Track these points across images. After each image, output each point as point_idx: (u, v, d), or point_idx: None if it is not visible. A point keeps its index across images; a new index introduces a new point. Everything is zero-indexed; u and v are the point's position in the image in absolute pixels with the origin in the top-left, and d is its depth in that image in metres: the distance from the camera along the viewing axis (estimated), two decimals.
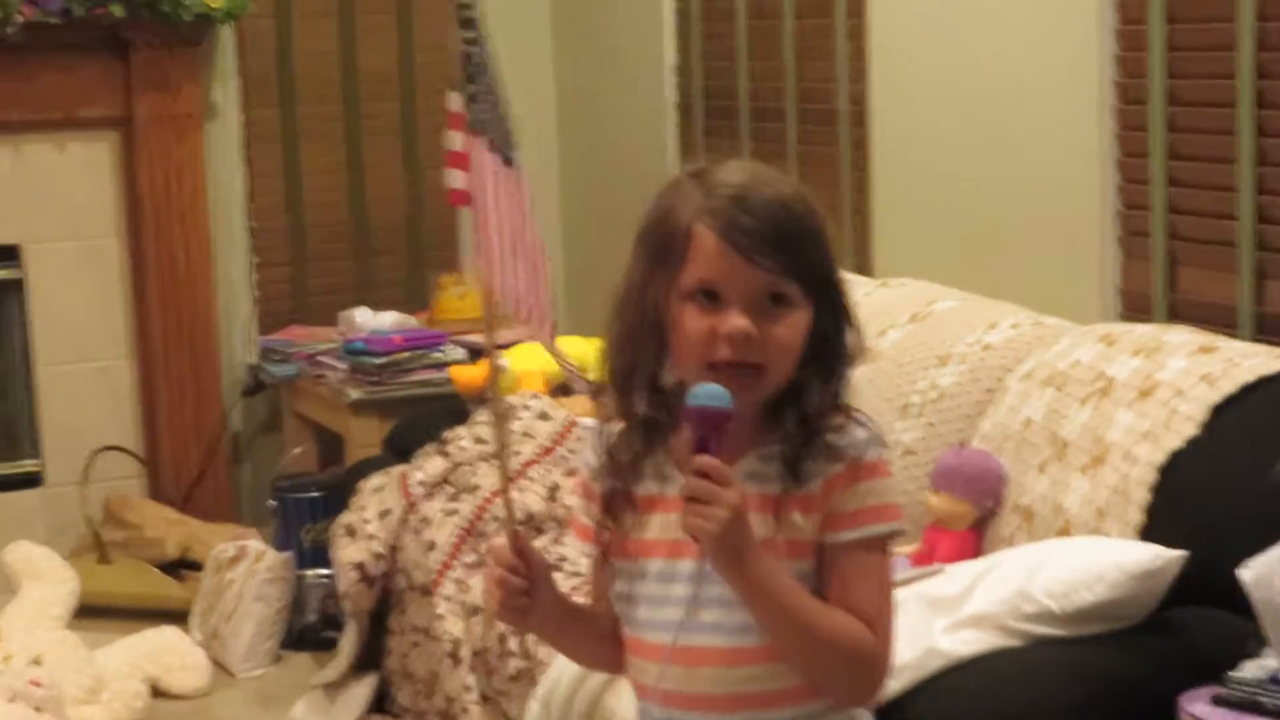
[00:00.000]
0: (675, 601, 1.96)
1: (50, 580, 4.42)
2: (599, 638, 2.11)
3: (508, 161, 2.17)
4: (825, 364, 1.96)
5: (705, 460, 1.85)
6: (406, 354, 4.97)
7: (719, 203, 1.93)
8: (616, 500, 2.03)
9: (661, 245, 1.97)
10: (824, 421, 1.94)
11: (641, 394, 1.99)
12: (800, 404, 1.95)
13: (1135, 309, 3.66)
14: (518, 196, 2.18)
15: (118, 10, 5.10)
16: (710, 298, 1.93)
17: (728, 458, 1.91)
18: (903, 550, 3.32)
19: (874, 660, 1.94)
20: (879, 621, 1.93)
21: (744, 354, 1.91)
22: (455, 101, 2.15)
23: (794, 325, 1.93)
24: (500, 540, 2.04)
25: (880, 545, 1.95)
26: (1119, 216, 3.69)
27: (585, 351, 4.66)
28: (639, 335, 1.99)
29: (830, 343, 1.96)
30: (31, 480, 5.40)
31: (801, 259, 1.92)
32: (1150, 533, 2.87)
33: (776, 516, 1.93)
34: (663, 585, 1.98)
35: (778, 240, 1.91)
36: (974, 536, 3.26)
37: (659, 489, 1.99)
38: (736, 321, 1.91)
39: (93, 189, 5.39)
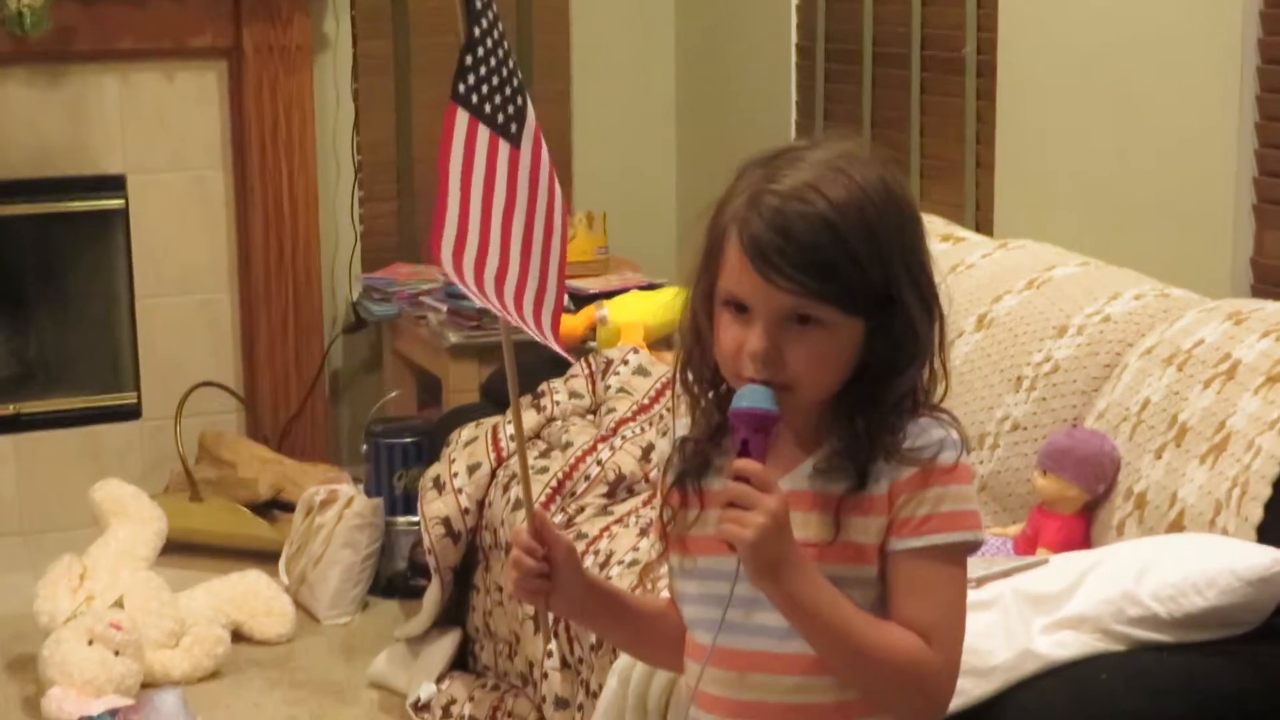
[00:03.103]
0: (722, 600, 1.84)
1: (137, 520, 4.36)
2: (651, 633, 2.02)
3: (510, 138, 2.03)
4: (884, 378, 1.82)
5: (745, 464, 1.74)
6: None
7: (752, 212, 1.79)
8: (682, 493, 1.93)
9: (708, 242, 1.86)
10: (895, 420, 1.81)
11: (702, 387, 1.90)
12: (863, 408, 1.82)
13: (1269, 282, 3.48)
14: (518, 174, 2.04)
15: None
16: (741, 309, 1.81)
17: (786, 457, 1.82)
18: (1006, 532, 3.18)
19: (931, 677, 1.80)
20: (939, 636, 1.80)
21: (766, 374, 1.79)
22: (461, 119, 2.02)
23: (824, 347, 1.79)
24: (522, 523, 1.96)
25: (949, 555, 1.82)
26: (1255, 183, 3.50)
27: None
28: (693, 329, 1.89)
29: (890, 360, 1.82)
30: (131, 413, 5.35)
31: (836, 281, 1.78)
32: (1269, 530, 2.69)
33: (837, 518, 1.81)
34: (713, 583, 1.87)
35: (804, 262, 1.77)
36: (1082, 522, 3.09)
37: (723, 485, 1.85)
38: (754, 343, 1.79)
39: (200, 119, 5.31)
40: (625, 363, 4.12)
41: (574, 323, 4.52)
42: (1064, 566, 2.72)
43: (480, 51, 2.03)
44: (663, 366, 4.13)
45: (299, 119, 5.30)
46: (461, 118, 2.02)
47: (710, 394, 1.91)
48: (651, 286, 4.83)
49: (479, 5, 2.05)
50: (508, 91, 2.05)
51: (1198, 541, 2.69)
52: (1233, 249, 3.53)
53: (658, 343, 4.42)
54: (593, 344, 4.38)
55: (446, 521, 3.90)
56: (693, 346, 1.91)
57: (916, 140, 4.57)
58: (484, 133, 2.02)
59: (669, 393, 4.02)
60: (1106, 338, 3.31)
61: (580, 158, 5.75)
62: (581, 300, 4.84)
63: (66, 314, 5.46)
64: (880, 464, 1.81)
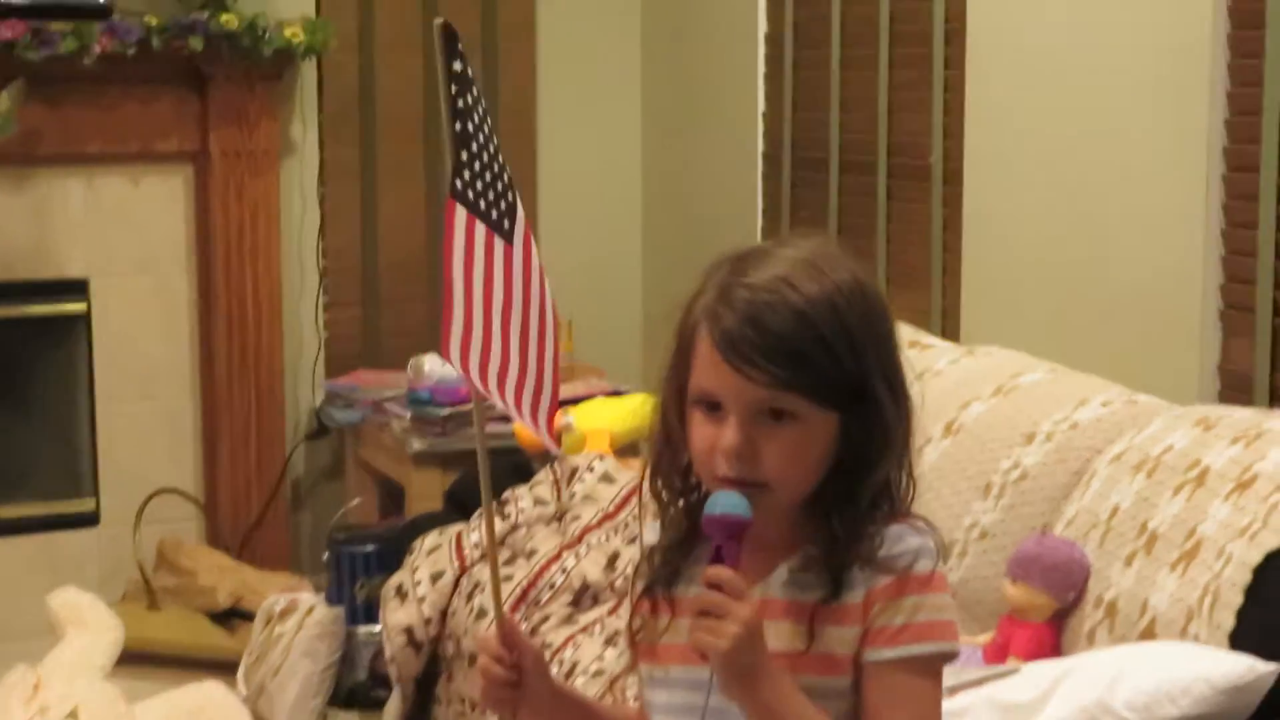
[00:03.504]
0: (693, 710, 1.80)
1: (94, 629, 4.28)
2: None
3: (503, 234, 2.03)
4: (858, 474, 1.79)
5: (717, 571, 1.71)
6: (471, 406, 4.79)
7: (723, 305, 1.78)
8: (653, 601, 1.90)
9: (677, 341, 1.84)
10: (871, 526, 1.78)
11: (671, 494, 1.88)
12: (839, 507, 1.79)
13: (1235, 389, 3.46)
14: (513, 270, 2.03)
15: (196, 43, 4.99)
16: (713, 407, 1.79)
17: (760, 563, 1.79)
18: (976, 641, 3.14)
19: None
20: None
21: (741, 472, 1.77)
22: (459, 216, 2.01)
23: (798, 441, 1.77)
24: (491, 630, 1.93)
25: (925, 667, 1.78)
26: (1221, 289, 3.49)
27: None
28: (665, 431, 1.86)
29: (864, 456, 1.79)
30: (89, 520, 5.29)
31: (809, 371, 1.75)
32: (1242, 638, 2.66)
33: (811, 628, 1.78)
34: (685, 693, 1.83)
35: (777, 352, 1.75)
36: (1052, 630, 3.05)
37: (695, 592, 1.82)
38: (728, 438, 1.77)
39: (165, 223, 5.29)
40: (590, 470, 4.08)
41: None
42: (1036, 675, 2.69)
43: (474, 146, 2.03)
44: (628, 473, 4.09)
45: (264, 223, 5.28)
46: (460, 214, 2.02)
47: (680, 502, 1.88)
48: (617, 393, 4.81)
49: (467, 102, 2.04)
50: (499, 187, 2.04)
51: (1170, 649, 2.66)
52: (1200, 355, 3.51)
53: (623, 449, 4.39)
54: (558, 450, 4.34)
55: (409, 631, 3.84)
56: (662, 451, 1.88)
57: (883, 247, 4.57)
58: (481, 229, 2.02)
59: (635, 500, 3.98)
60: (1075, 444, 3.29)
61: (544, 264, 5.72)
62: None
63: (26, 418, 5.40)
64: (855, 572, 1.77)
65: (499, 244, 2.03)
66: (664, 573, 1.89)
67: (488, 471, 2.06)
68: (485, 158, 2.06)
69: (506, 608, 3.61)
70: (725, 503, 1.74)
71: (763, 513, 1.77)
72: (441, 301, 2.01)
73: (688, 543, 1.88)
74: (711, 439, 1.78)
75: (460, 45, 2.07)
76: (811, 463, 1.78)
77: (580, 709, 2.00)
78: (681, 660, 1.82)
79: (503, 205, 2.06)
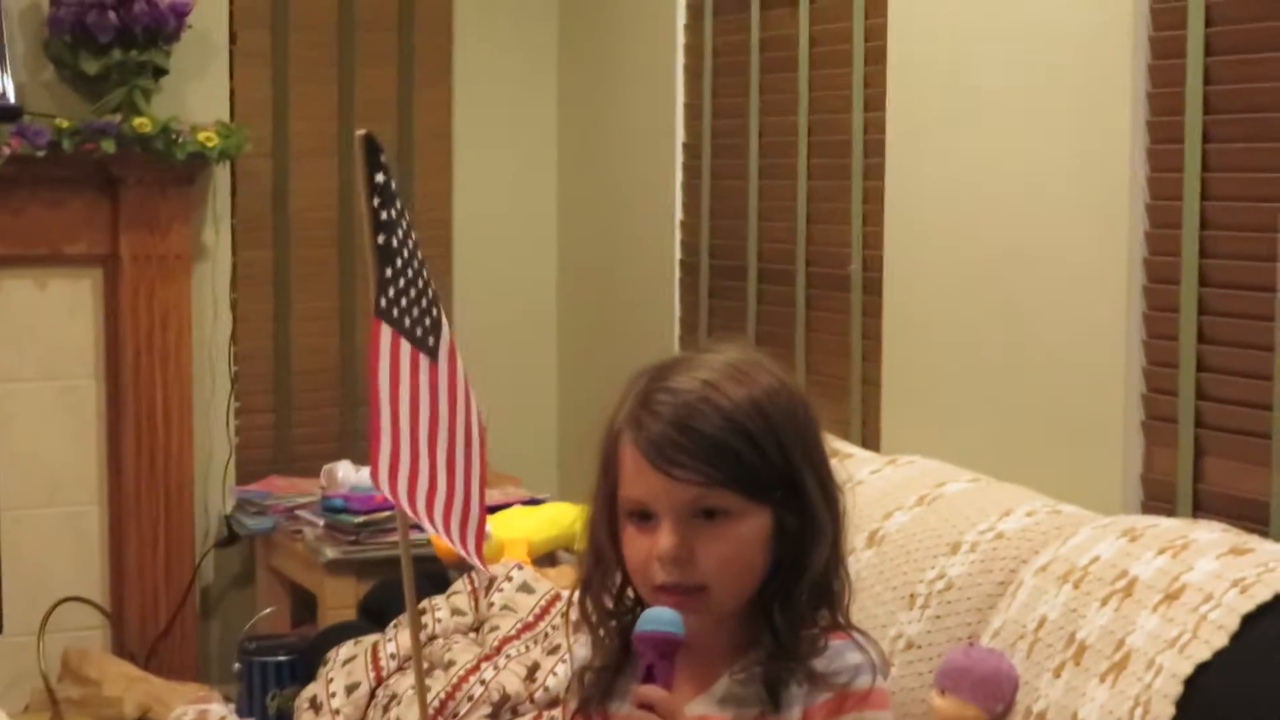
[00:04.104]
0: None
1: None
2: None
3: (428, 351, 2.01)
4: (796, 574, 1.78)
5: (647, 691, 1.69)
6: (385, 514, 4.75)
7: (645, 413, 1.78)
8: (586, 716, 1.88)
9: (602, 456, 1.84)
10: (810, 642, 1.77)
11: (601, 614, 1.87)
12: (775, 619, 1.77)
13: (1158, 499, 3.47)
14: (438, 387, 2.02)
15: (108, 146, 4.95)
16: (645, 516, 1.78)
17: (701, 674, 1.78)
18: None
19: None
20: None
21: (679, 576, 1.75)
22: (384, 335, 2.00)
23: (734, 539, 1.76)
24: None
25: None
26: (1143, 399, 3.51)
27: (575, 518, 4.46)
28: (595, 551, 1.86)
29: (800, 554, 1.78)
30: None
31: (738, 465, 1.75)
32: None
33: None
34: None
35: (703, 451, 1.75)
36: None
37: (627, 710, 1.80)
38: (663, 544, 1.75)
39: (73, 328, 5.22)
40: (509, 579, 4.03)
41: None
42: None
43: (398, 262, 2.01)
44: (547, 583, 4.05)
45: (175, 328, 5.22)
46: (385, 333, 2.00)
47: (611, 622, 1.86)
48: (534, 501, 4.77)
49: (390, 215, 2.02)
50: (424, 303, 2.03)
51: None
52: (1123, 465, 3.53)
53: (541, 559, 4.36)
54: (487, 570, 4.29)
55: None
56: (592, 571, 1.87)
57: (802, 356, 4.57)
58: (406, 347, 2.00)
59: (554, 609, 3.94)
60: (1000, 554, 3.28)
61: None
62: None
63: None
64: (794, 688, 1.75)
65: (424, 361, 2.02)
66: (596, 691, 1.86)
67: (411, 580, 2.02)
68: (410, 273, 2.05)
69: None
70: (657, 619, 1.72)
71: (704, 620, 1.75)
72: (365, 416, 1.99)
73: (620, 662, 1.85)
74: (646, 549, 1.77)
75: (383, 156, 2.07)
76: (748, 561, 1.76)
77: None
78: None
79: (427, 321, 2.05)
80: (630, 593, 1.85)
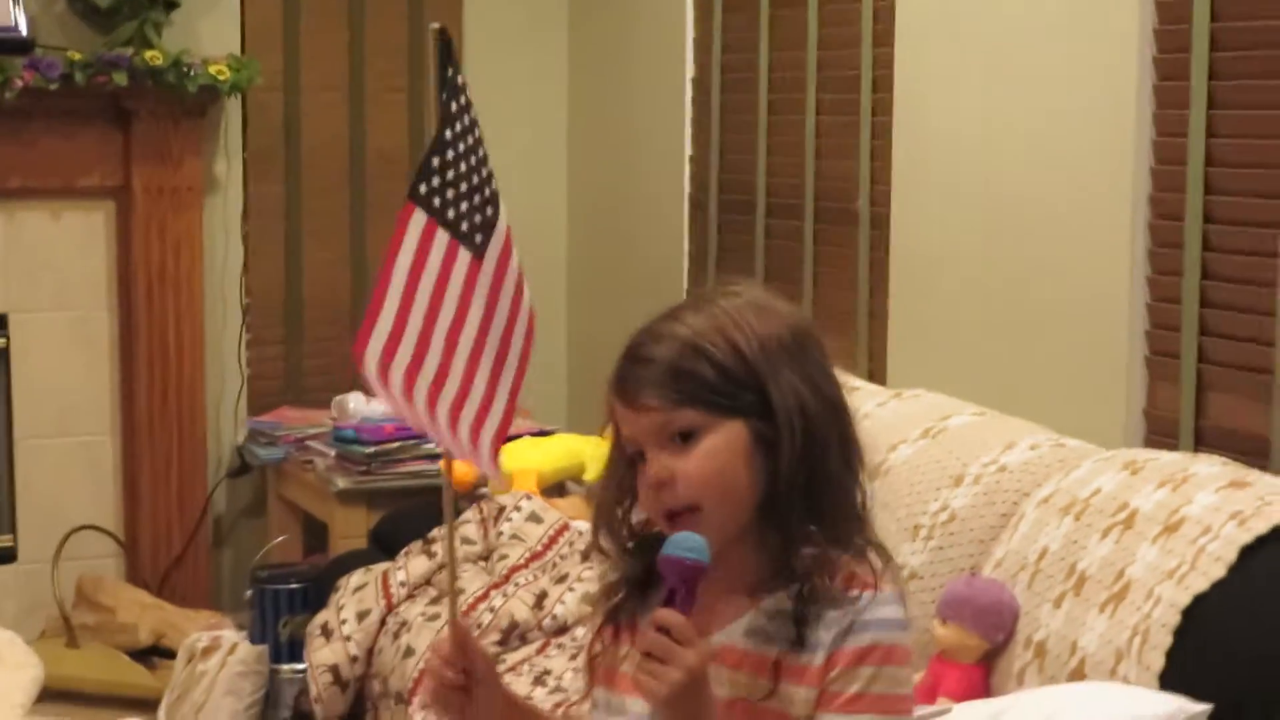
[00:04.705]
0: None
1: (12, 666, 4.25)
2: None
3: (471, 247, 1.99)
4: (797, 491, 1.78)
5: (665, 614, 1.70)
6: (397, 444, 4.80)
7: (619, 359, 1.83)
8: (616, 626, 1.90)
9: (608, 414, 1.88)
10: (834, 586, 1.77)
11: (617, 549, 1.90)
12: (797, 548, 1.78)
13: (1160, 433, 3.50)
14: (476, 285, 2.00)
15: (120, 79, 4.96)
16: (641, 456, 1.81)
17: (728, 608, 1.80)
18: None
19: None
20: None
21: (668, 500, 1.79)
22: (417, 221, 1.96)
23: (707, 454, 1.78)
24: (443, 635, 1.93)
25: None
26: (1147, 335, 3.54)
27: (584, 450, 4.50)
28: (601, 501, 1.90)
29: (794, 471, 1.78)
30: (6, 556, 5.23)
31: (692, 382, 1.78)
32: (1171, 679, 2.69)
33: (770, 680, 1.77)
34: None
35: (657, 377, 1.79)
36: (982, 671, 3.07)
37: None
38: (647, 473, 1.80)
39: (86, 259, 5.25)
40: (518, 509, 4.08)
41: (465, 468, 4.47)
42: (967, 715, 2.71)
43: (450, 155, 2.00)
44: (555, 513, 4.10)
45: (187, 260, 5.25)
46: (419, 219, 1.98)
47: (633, 555, 1.89)
48: (543, 433, 4.81)
49: (455, 108, 2.02)
50: (476, 200, 2.01)
51: (1102, 690, 2.68)
52: (1126, 400, 3.55)
53: (550, 489, 4.39)
54: (485, 490, 4.34)
55: (334, 669, 3.83)
56: (597, 519, 1.90)
57: (810, 291, 4.60)
58: (442, 237, 1.97)
59: (562, 539, 3.99)
60: (1003, 487, 3.32)
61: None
62: None
63: None
64: (821, 632, 1.76)
65: (463, 256, 1.99)
66: (626, 602, 1.89)
67: (451, 490, 2.05)
68: (464, 167, 2.03)
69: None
70: (680, 544, 1.74)
71: (712, 544, 1.75)
72: (367, 307, 1.96)
73: (646, 582, 1.87)
74: (644, 484, 1.81)
75: (454, 51, 2.06)
76: (728, 473, 1.78)
77: (529, 717, 2.00)
78: (635, 691, 1.80)
79: (477, 219, 2.03)
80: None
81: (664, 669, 1.68)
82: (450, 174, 1.99)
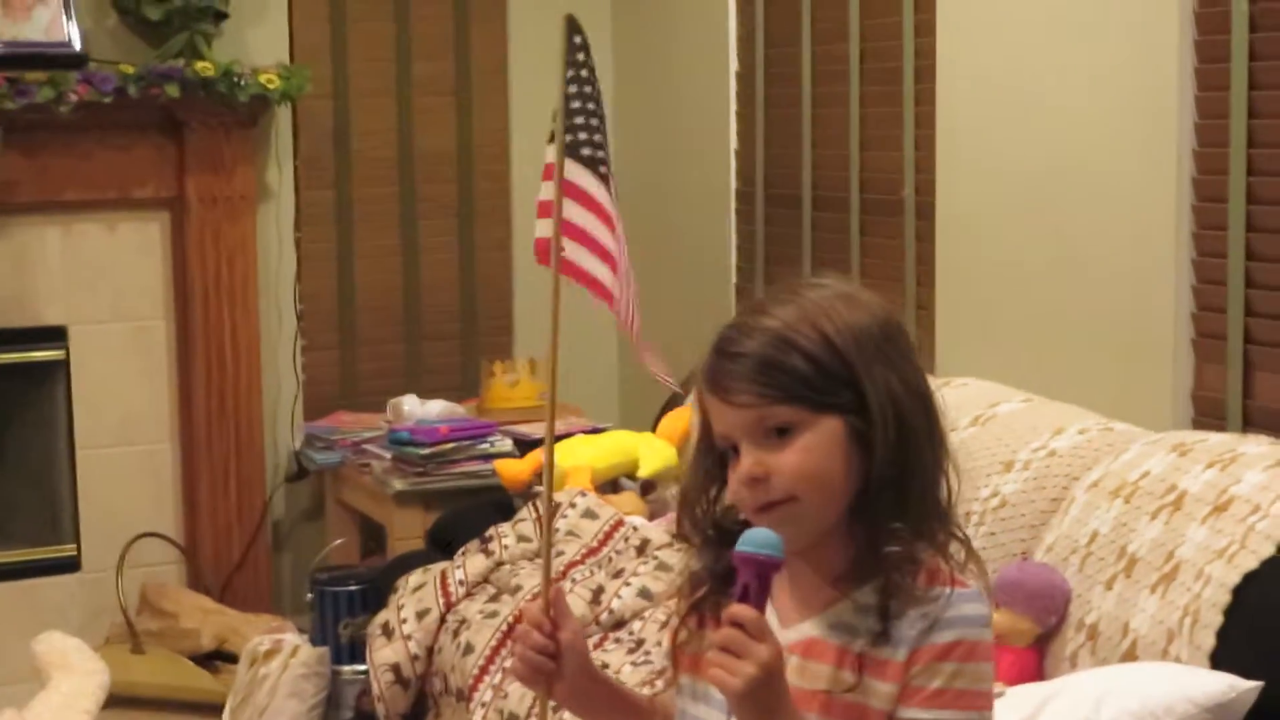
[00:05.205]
0: None
1: (79, 672, 4.28)
2: None
3: (602, 176, 2.34)
4: (888, 488, 1.77)
5: (739, 610, 1.70)
6: (452, 445, 4.84)
7: (709, 354, 1.83)
8: (701, 615, 1.90)
9: (697, 407, 1.88)
10: (918, 582, 1.77)
11: (705, 532, 1.89)
12: (857, 528, 1.79)
13: (1208, 415, 3.50)
14: (608, 209, 2.46)
15: (172, 90, 5.02)
16: (736, 450, 1.81)
17: (813, 600, 1.81)
18: None
19: None
20: None
21: (762, 495, 1.78)
22: (551, 154, 2.40)
23: (803, 448, 1.77)
24: (535, 599, 1.93)
25: None
26: (1193, 318, 3.54)
27: (636, 446, 4.53)
28: (684, 493, 1.90)
29: (887, 470, 1.77)
30: (69, 565, 5.29)
31: (788, 377, 1.77)
32: (1222, 658, 2.71)
33: (852, 674, 1.77)
34: (716, 714, 1.82)
35: (751, 371, 1.78)
36: (1035, 654, 3.09)
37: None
38: (741, 467, 1.79)
39: (142, 269, 5.31)
40: (573, 506, 4.11)
41: (520, 467, 4.52)
42: (1021, 698, 2.72)
43: (576, 105, 2.43)
44: (610, 509, 4.13)
45: (242, 268, 5.31)
46: (582, 176, 2.40)
47: (708, 551, 1.89)
48: (596, 430, 4.84)
49: (578, 75, 2.40)
50: (594, 123, 2.42)
51: (1154, 670, 2.70)
52: (1173, 383, 3.56)
53: (604, 486, 4.42)
54: (540, 488, 4.38)
55: (396, 668, 3.86)
56: (682, 511, 1.90)
57: (857, 281, 4.59)
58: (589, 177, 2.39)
59: (617, 534, 4.02)
60: (1053, 472, 3.34)
61: (521, 305, 5.78)
62: (527, 445, 4.84)
63: (5, 466, 5.41)
64: (905, 629, 1.76)
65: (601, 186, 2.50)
66: (711, 593, 1.88)
67: (553, 420, 2.20)
68: (582, 120, 2.52)
69: (494, 643, 3.65)
70: (755, 540, 1.74)
71: (800, 533, 1.77)
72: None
73: (724, 581, 1.86)
74: (737, 479, 1.80)
75: (579, 38, 2.52)
76: (824, 468, 1.77)
77: (615, 695, 2.00)
78: (709, 681, 1.78)
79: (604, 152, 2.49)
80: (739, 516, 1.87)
81: (738, 663, 1.68)
82: (592, 122, 2.47)
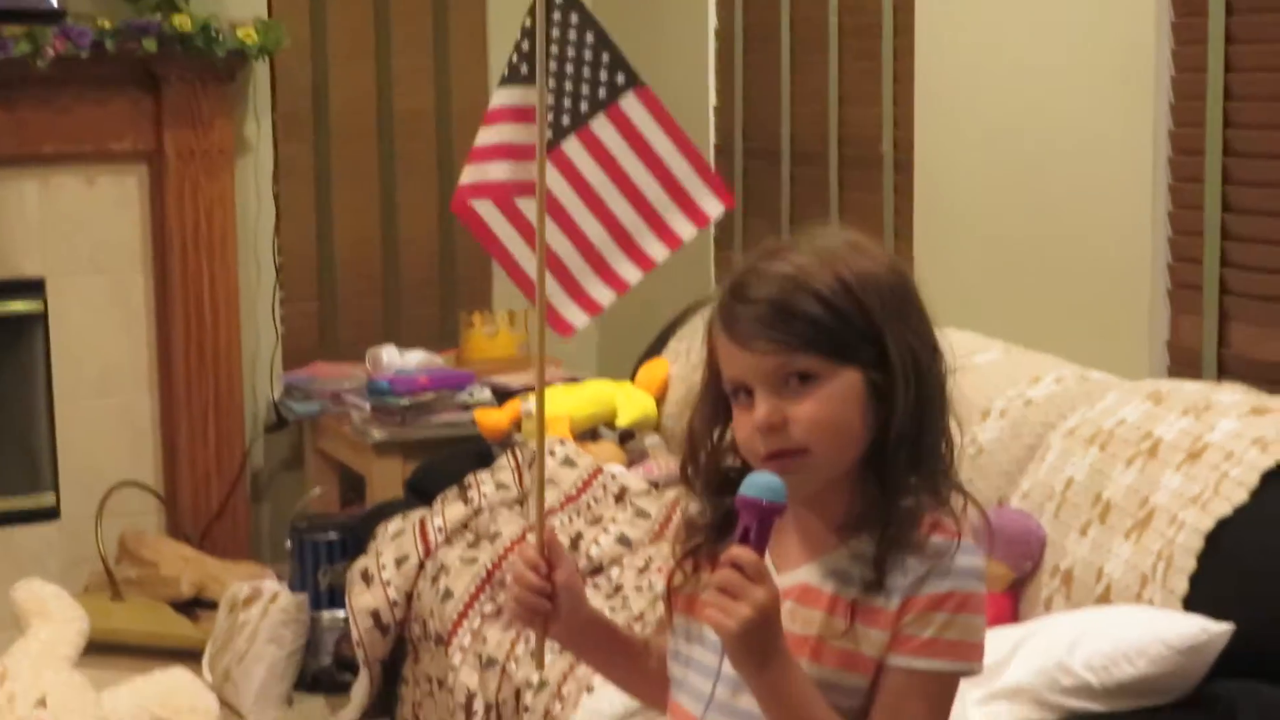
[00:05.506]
0: (713, 672, 1.81)
1: (59, 619, 4.30)
2: (643, 672, 2.00)
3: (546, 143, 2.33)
4: (897, 443, 1.78)
5: (738, 552, 1.71)
6: (431, 395, 4.87)
7: (726, 296, 1.82)
8: (697, 560, 1.90)
9: (705, 348, 1.87)
10: (921, 534, 1.77)
11: (702, 489, 1.90)
12: (873, 483, 1.79)
13: (1184, 365, 3.54)
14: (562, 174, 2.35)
15: (150, 45, 5.02)
16: (748, 393, 1.80)
17: (810, 546, 1.82)
18: None
19: None
20: None
21: (777, 443, 1.78)
22: (500, 96, 2.40)
23: (823, 398, 1.77)
24: (530, 541, 1.94)
25: (941, 682, 1.78)
26: (1169, 269, 3.57)
27: (614, 395, 4.56)
28: (689, 438, 1.89)
29: (900, 425, 1.77)
30: (49, 514, 5.31)
31: (813, 326, 1.77)
32: (1195, 602, 2.74)
33: (845, 620, 1.78)
34: (709, 654, 1.84)
35: (776, 317, 1.77)
36: (1010, 599, 3.13)
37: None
38: (758, 413, 1.78)
39: (120, 223, 5.32)
40: (552, 454, 4.13)
41: (499, 417, 4.54)
42: (995, 641, 2.74)
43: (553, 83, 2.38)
44: (588, 458, 4.15)
45: (220, 221, 5.32)
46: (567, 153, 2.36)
47: (716, 495, 1.88)
48: (574, 380, 4.87)
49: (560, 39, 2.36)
50: (568, 86, 2.38)
51: (1127, 613, 2.73)
52: (1149, 333, 3.59)
53: (583, 434, 4.45)
54: (519, 437, 4.40)
55: (375, 614, 3.89)
56: (688, 455, 1.90)
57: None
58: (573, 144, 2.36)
59: (595, 483, 4.05)
60: (1029, 420, 3.37)
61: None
62: (505, 395, 4.86)
63: None
64: (898, 578, 1.76)
65: (566, 148, 2.36)
66: (708, 538, 1.89)
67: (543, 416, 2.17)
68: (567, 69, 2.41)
69: (473, 589, 3.68)
70: (759, 484, 1.74)
71: (810, 482, 1.77)
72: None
73: (726, 522, 1.87)
74: (749, 424, 1.80)
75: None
76: (842, 420, 1.77)
77: (611, 633, 2.01)
78: (705, 621, 1.79)
79: (586, 90, 2.31)
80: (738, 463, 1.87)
81: (735, 605, 1.68)
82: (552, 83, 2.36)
